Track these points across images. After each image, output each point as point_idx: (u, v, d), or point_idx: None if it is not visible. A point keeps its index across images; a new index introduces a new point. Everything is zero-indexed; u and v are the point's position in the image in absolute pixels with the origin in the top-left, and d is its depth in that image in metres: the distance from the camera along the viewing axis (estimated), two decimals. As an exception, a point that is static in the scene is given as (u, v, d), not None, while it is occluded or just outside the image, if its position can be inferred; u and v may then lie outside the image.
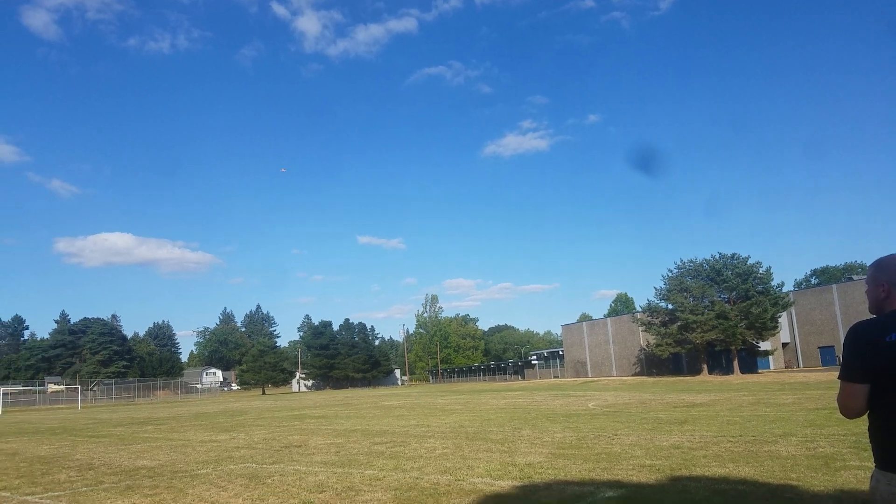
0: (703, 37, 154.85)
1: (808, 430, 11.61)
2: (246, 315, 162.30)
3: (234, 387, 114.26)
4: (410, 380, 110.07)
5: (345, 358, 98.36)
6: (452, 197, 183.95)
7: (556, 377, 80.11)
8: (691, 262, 58.71)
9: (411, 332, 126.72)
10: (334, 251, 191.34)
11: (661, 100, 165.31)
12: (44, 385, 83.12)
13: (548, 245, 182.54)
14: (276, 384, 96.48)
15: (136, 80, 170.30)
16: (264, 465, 9.95)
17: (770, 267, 55.47)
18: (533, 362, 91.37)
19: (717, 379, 49.43)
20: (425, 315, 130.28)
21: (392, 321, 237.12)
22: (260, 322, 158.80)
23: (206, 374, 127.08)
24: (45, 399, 74.87)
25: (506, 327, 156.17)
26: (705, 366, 57.34)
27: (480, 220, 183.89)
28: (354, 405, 30.63)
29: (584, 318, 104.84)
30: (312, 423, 19.47)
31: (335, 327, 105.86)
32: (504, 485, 7.44)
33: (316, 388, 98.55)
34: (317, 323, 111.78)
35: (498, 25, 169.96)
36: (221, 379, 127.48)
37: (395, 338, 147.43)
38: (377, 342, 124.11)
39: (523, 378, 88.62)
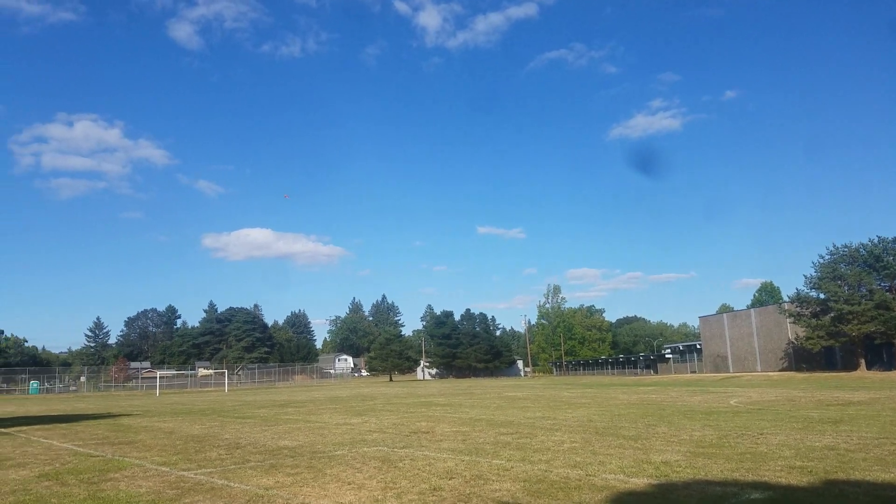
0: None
1: None
2: (373, 304, 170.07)
3: (364, 373, 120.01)
4: (533, 371, 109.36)
5: (466, 348, 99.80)
6: (576, 183, 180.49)
7: (692, 372, 75.98)
8: (846, 247, 53.22)
9: (533, 322, 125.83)
10: (455, 242, 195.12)
11: (804, 70, 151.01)
12: (194, 369, 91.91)
13: (682, 231, 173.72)
14: (402, 371, 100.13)
15: (270, 84, 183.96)
16: (395, 450, 10.34)
17: (939, 251, 48.99)
18: (667, 356, 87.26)
19: (877, 375, 44.44)
20: (547, 306, 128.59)
21: (513, 311, 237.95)
22: (386, 311, 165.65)
23: (339, 360, 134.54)
24: (196, 382, 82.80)
25: (635, 319, 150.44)
26: (863, 360, 51.73)
27: (606, 207, 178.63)
28: (478, 395, 31.01)
29: (725, 309, 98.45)
30: (438, 410, 19.98)
31: (456, 317, 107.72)
32: (639, 482, 7.19)
33: (439, 376, 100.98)
34: (439, 313, 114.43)
35: (623, 3, 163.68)
36: (352, 365, 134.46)
37: (516, 328, 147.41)
38: (498, 332, 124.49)
39: (656, 373, 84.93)
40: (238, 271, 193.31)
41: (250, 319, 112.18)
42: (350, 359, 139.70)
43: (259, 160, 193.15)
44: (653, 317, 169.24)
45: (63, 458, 10.70)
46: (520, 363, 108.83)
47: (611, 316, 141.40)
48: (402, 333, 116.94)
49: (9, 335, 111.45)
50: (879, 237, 51.41)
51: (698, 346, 79.34)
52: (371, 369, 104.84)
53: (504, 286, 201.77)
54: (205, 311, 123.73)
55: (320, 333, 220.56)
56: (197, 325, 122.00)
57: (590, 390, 34.81)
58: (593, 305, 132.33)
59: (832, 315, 51.19)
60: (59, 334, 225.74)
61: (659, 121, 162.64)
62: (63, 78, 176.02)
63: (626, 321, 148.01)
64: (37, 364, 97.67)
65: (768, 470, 7.70)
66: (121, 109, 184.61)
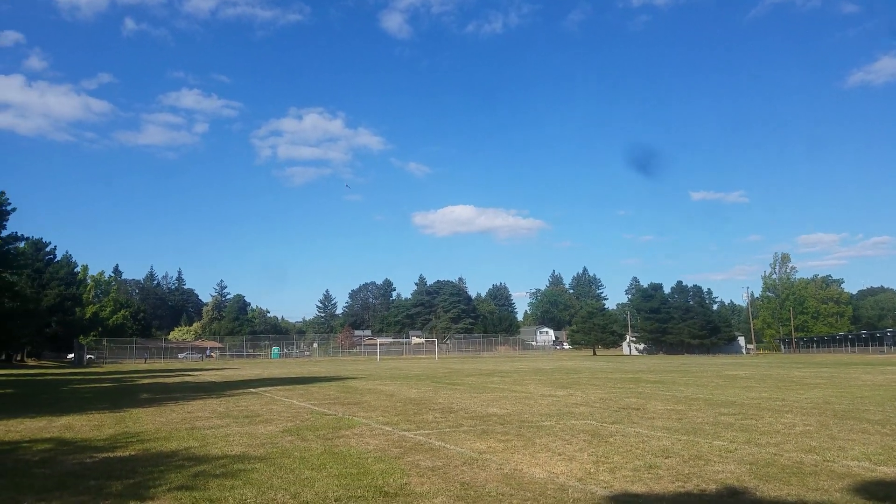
0: None
1: None
2: (573, 277, 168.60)
3: (566, 346, 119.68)
4: (757, 349, 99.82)
5: (678, 322, 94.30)
6: (808, 138, 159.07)
7: (959, 351, 63.62)
8: None
9: (756, 295, 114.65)
10: (664, 209, 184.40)
11: None
12: (408, 338, 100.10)
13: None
14: (605, 346, 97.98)
15: (474, 65, 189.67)
16: (604, 424, 10.28)
17: None
18: (922, 332, 74.09)
19: None
20: (774, 276, 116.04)
21: (732, 283, 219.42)
22: (587, 284, 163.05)
23: (540, 332, 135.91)
24: (410, 349, 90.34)
25: (882, 290, 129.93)
26: None
27: (846, 164, 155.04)
28: (693, 372, 29.37)
29: None
30: (648, 387, 19.34)
31: (666, 290, 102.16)
32: (889, 471, 6.47)
33: (648, 352, 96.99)
34: (645, 286, 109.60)
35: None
36: (553, 338, 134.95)
37: (736, 301, 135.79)
38: (715, 306, 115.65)
39: (908, 351, 72.61)
40: (444, 246, 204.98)
41: (456, 292, 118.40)
42: (551, 331, 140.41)
43: (462, 140, 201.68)
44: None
45: (302, 415, 12.00)
46: (741, 339, 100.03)
47: (851, 287, 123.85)
48: (606, 307, 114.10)
49: (254, 307, 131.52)
50: None
51: (971, 322, 65.92)
52: (573, 343, 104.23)
53: (721, 256, 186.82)
54: (416, 283, 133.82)
55: (521, 306, 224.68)
56: (409, 297, 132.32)
57: (825, 370, 31.03)
58: (829, 275, 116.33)
59: None
60: (295, 305, 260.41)
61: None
62: (293, 75, 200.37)
63: (871, 292, 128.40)
64: (277, 332, 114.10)
65: None
66: (342, 101, 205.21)
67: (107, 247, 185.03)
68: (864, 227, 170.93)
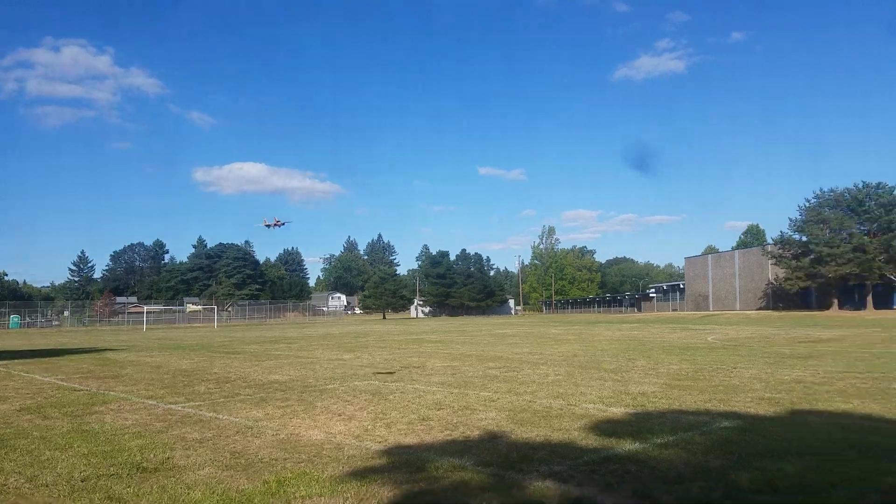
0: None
1: (955, 371, 10.74)
2: (368, 244, 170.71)
3: (357, 311, 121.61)
4: (524, 310, 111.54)
5: (461, 287, 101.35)
6: (578, 124, 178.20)
7: (674, 310, 77.77)
8: (832, 191, 53.80)
9: (526, 263, 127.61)
10: (455, 182, 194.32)
11: (810, 16, 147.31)
12: (182, 305, 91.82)
13: (678, 174, 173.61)
14: (395, 310, 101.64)
15: (268, 14, 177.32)
16: (386, 383, 10.69)
17: (918, 197, 49.72)
18: (651, 295, 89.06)
19: (848, 314, 45.98)
20: (541, 247, 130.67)
21: (509, 252, 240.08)
22: (381, 250, 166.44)
23: (332, 298, 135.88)
24: (184, 318, 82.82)
25: (624, 260, 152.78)
26: (836, 301, 53.29)
27: (607, 149, 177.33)
28: (469, 332, 31.81)
29: (710, 250, 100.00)
30: (430, 346, 20.57)
31: (452, 257, 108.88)
32: (616, 411, 7.65)
33: (433, 314, 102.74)
34: (434, 253, 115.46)
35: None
36: (345, 303, 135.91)
37: (510, 269, 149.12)
38: (492, 273, 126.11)
39: (639, 311, 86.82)
40: (229, 206, 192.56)
41: (241, 256, 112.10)
42: (343, 297, 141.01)
43: (254, 92, 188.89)
44: (642, 258, 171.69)
45: (45, 392, 10.54)
46: (511, 302, 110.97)
47: (601, 257, 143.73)
48: (397, 273, 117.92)
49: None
50: (864, 182, 51.90)
51: (681, 286, 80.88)
52: (364, 307, 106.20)
53: (502, 227, 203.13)
54: (194, 246, 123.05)
55: (314, 271, 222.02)
56: (185, 260, 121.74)
57: (576, 327, 35.76)
58: (585, 247, 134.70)
59: (812, 257, 52.26)
60: (41, 269, 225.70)
61: (665, 62, 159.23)
62: (48, 1, 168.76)
63: (616, 262, 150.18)
64: (18, 298, 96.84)
65: (738, 401, 8.20)
66: (111, 35, 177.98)
67: None
68: (616, 206, 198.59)
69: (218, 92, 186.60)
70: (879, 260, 48.33)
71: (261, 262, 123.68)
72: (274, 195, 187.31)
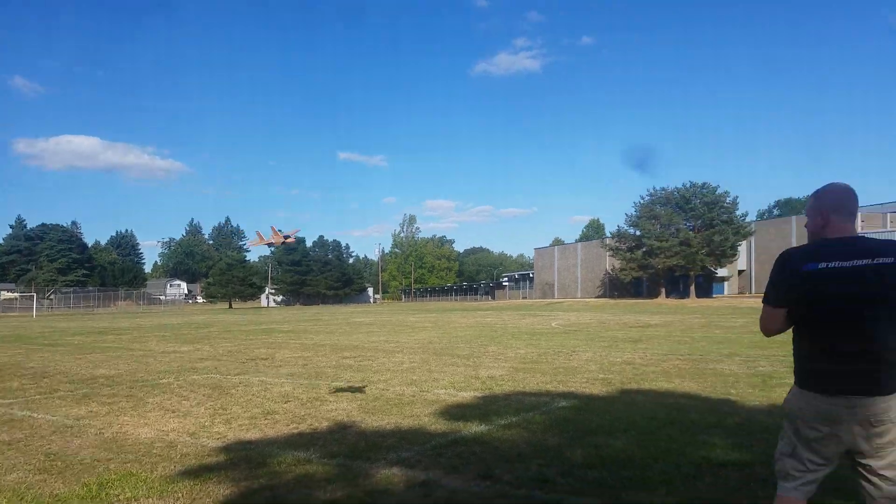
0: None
1: (751, 351, 12.34)
2: (214, 227, 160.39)
3: (200, 300, 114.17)
4: (383, 298, 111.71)
5: (317, 275, 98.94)
6: (439, 115, 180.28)
7: (524, 298, 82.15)
8: (663, 189, 59.49)
9: (387, 251, 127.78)
10: (313, 166, 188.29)
11: (657, 25, 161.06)
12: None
13: (531, 169, 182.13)
14: (243, 299, 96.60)
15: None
16: (228, 377, 10.11)
17: (737, 197, 56.96)
18: (504, 284, 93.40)
19: (673, 302, 51.43)
20: (402, 235, 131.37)
21: (370, 240, 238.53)
22: (229, 235, 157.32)
23: (171, 285, 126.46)
24: (-3, 307, 73.51)
25: (481, 250, 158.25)
26: (663, 290, 59.39)
27: (466, 141, 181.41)
28: (324, 321, 31.22)
29: (557, 242, 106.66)
30: (281, 337, 19.83)
31: (309, 243, 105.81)
32: (466, 395, 7.86)
33: (286, 303, 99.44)
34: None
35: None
36: (186, 291, 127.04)
37: (370, 257, 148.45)
38: (352, 260, 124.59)
39: (493, 299, 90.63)
40: (55, 183, 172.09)
41: (66, 238, 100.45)
42: (184, 284, 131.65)
43: (89, 57, 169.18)
44: (497, 248, 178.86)
45: None
46: (370, 290, 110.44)
47: (460, 246, 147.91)
48: (247, 259, 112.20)
49: None
50: (692, 182, 58.10)
51: (531, 276, 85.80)
52: (208, 296, 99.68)
53: (362, 214, 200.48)
54: (11, 226, 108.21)
55: (151, 256, 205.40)
56: (1, 242, 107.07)
57: (433, 315, 36.49)
58: (444, 236, 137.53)
59: (644, 250, 57.75)
60: None
61: (521, 60, 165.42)
62: None
63: (473, 251, 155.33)
64: None
65: (576, 382, 8.79)
66: None
67: None
68: (473, 198, 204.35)
69: (46, 56, 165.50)
70: (702, 253, 54.48)
71: (89, 246, 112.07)
72: (107, 172, 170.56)
